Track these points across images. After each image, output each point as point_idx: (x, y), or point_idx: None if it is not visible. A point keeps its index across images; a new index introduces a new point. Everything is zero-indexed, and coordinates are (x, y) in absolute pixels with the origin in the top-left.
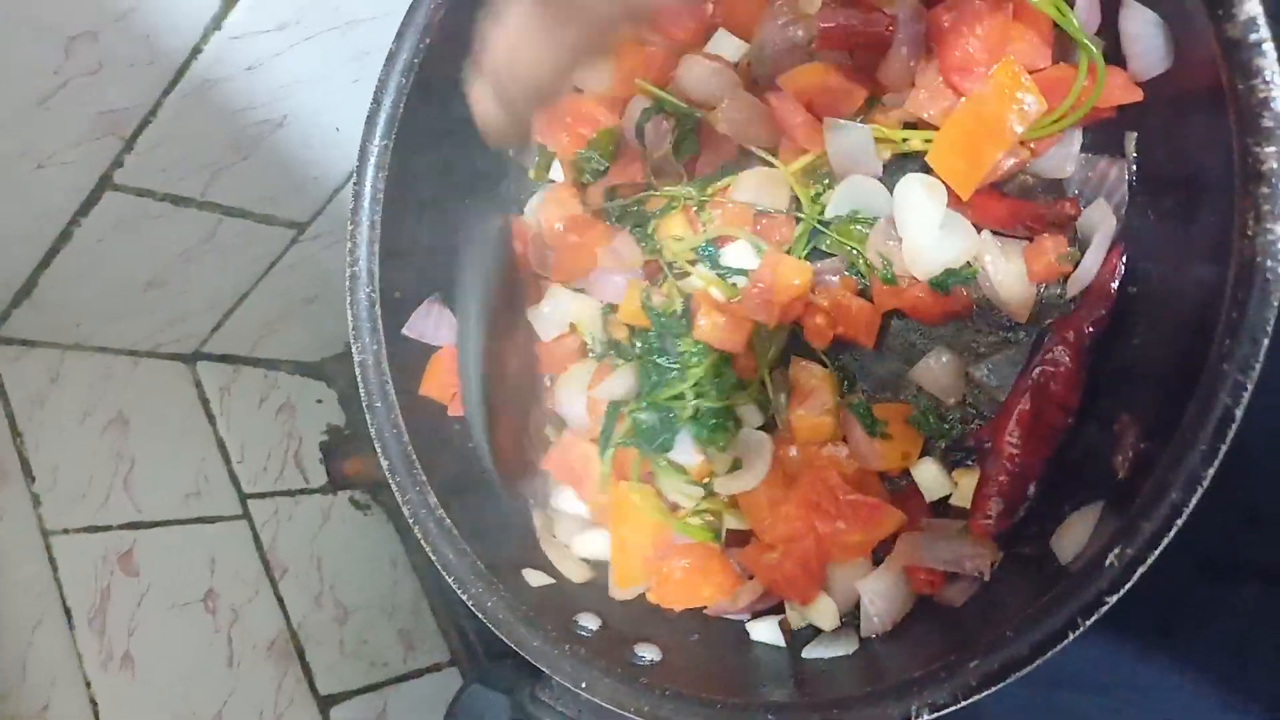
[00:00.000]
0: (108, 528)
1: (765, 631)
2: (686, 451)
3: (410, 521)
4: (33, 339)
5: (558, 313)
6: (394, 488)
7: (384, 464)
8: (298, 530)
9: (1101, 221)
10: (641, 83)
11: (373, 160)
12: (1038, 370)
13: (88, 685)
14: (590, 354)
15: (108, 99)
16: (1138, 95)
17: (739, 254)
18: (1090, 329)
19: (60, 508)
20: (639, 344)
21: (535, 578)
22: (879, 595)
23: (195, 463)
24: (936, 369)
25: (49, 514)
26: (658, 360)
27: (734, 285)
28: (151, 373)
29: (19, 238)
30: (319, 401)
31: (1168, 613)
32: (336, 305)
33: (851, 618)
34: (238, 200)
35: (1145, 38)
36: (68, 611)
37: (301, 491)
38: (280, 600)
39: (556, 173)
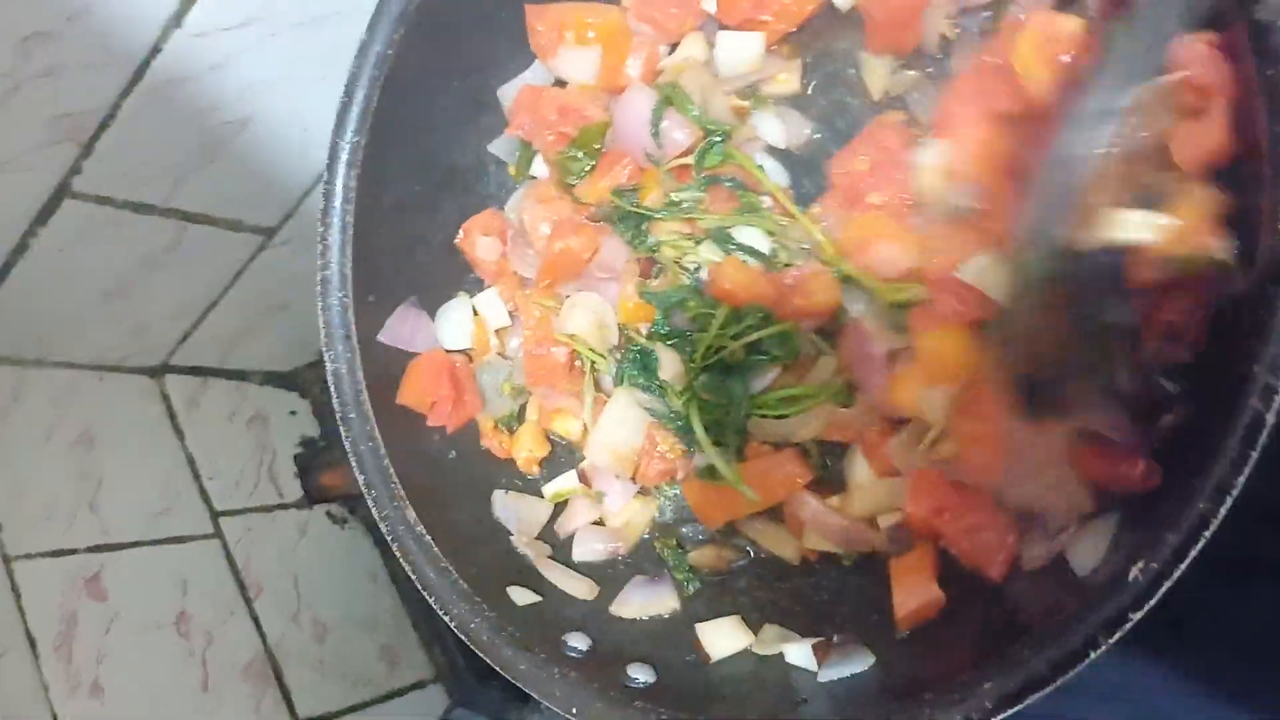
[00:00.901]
0: (74, 551)
1: (798, 655)
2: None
3: (389, 539)
4: None
5: (462, 322)
6: (370, 503)
7: (359, 479)
8: (273, 547)
9: None
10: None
11: (344, 158)
12: None
13: (54, 717)
14: (583, 364)
15: (64, 102)
16: None
17: (750, 236)
18: None
19: (23, 532)
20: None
21: (521, 595)
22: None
23: (164, 480)
24: None
25: (10, 539)
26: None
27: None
28: (117, 387)
29: None
30: (292, 413)
31: (1180, 612)
32: (308, 313)
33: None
34: (202, 206)
35: None
36: (32, 641)
37: (277, 507)
38: (256, 620)
39: (539, 168)
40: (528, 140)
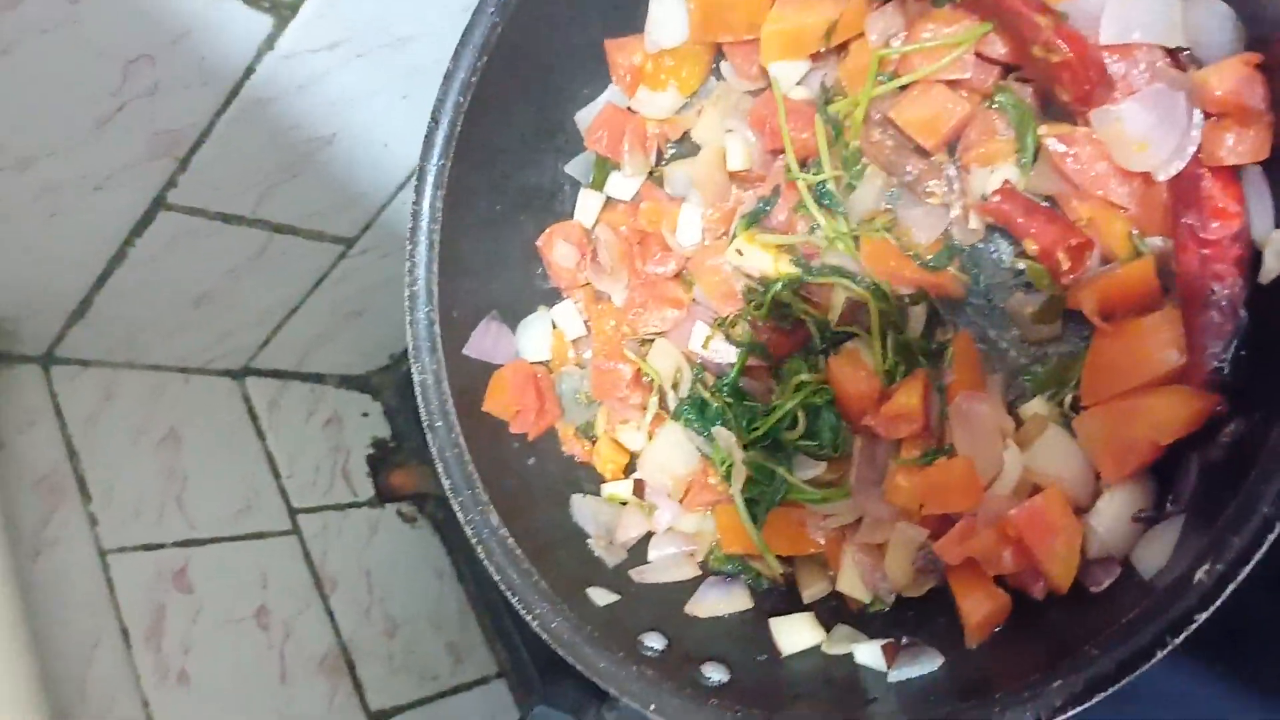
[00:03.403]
0: (162, 545)
1: (868, 655)
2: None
3: (474, 542)
4: (87, 358)
5: (542, 335)
6: (456, 508)
7: (446, 484)
8: (347, 544)
9: None
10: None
11: (431, 179)
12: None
13: (145, 704)
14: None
15: (163, 120)
16: None
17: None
18: None
19: (116, 526)
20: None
21: (599, 595)
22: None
23: (246, 478)
24: None
25: (105, 533)
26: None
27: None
28: (202, 388)
29: (75, 259)
30: (365, 415)
31: (1240, 623)
32: (382, 319)
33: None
34: (287, 217)
35: (1215, 29)
36: (124, 630)
37: (350, 505)
38: (331, 615)
39: (614, 187)
40: (605, 156)
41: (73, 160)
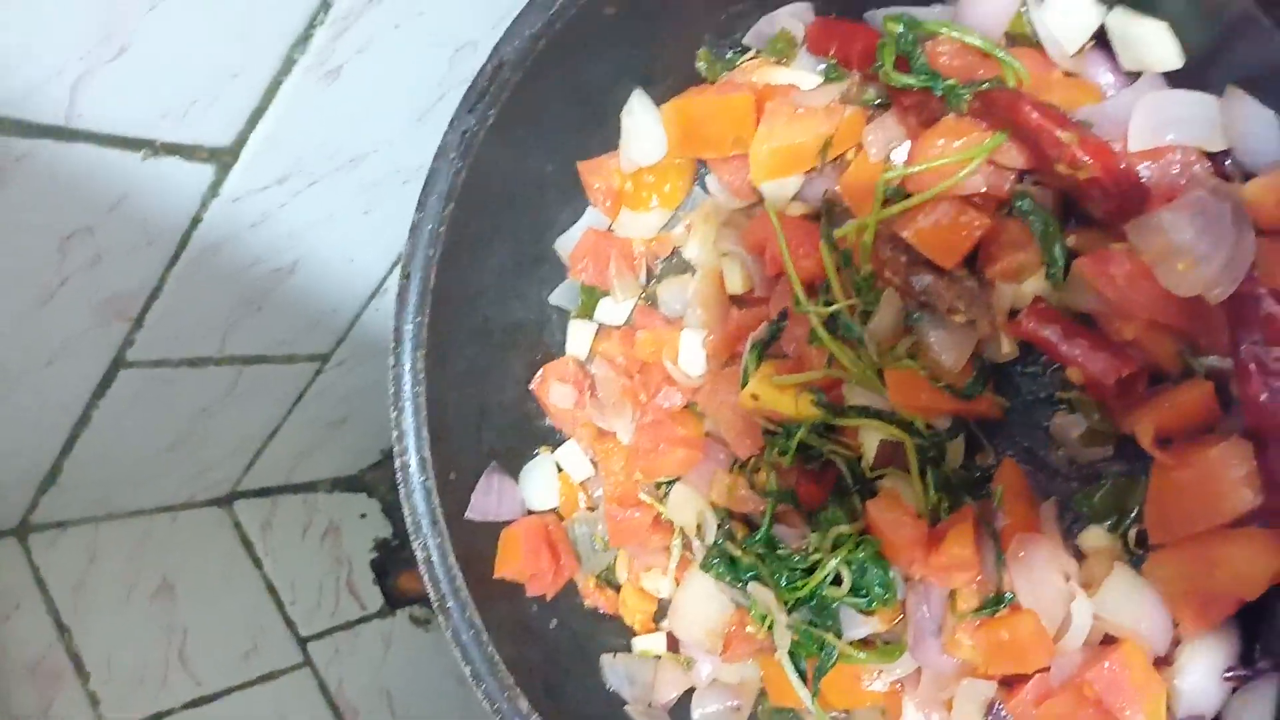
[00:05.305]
0: (170, 711)
1: None
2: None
3: None
4: (64, 519)
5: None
6: (480, 696)
7: (465, 669)
8: (362, 665)
9: None
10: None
11: (409, 340)
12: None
13: None
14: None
15: (110, 286)
16: None
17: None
18: None
19: (119, 701)
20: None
21: None
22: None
23: (248, 615)
24: None
25: (109, 711)
26: (778, 550)
27: None
28: (190, 524)
29: (36, 432)
30: (363, 516)
31: None
32: (368, 420)
33: None
34: (256, 348)
35: (1259, 134)
36: None
37: (359, 620)
38: None
39: (605, 313)
40: (592, 285)
41: (18, 342)
